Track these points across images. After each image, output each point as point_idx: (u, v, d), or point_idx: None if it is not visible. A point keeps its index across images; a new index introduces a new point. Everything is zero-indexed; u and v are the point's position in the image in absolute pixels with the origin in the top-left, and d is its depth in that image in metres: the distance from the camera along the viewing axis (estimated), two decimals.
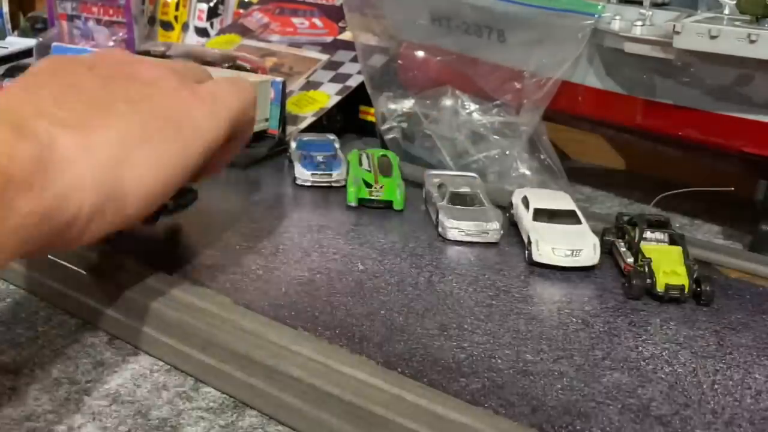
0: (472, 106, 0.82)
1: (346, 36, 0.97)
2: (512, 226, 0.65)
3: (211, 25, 1.12)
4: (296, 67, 0.94)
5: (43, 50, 1.06)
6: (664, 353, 0.47)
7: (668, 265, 0.54)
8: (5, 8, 1.30)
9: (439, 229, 0.63)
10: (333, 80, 0.91)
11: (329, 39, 0.99)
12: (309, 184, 0.72)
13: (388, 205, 0.68)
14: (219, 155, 0.49)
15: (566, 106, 0.78)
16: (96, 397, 0.45)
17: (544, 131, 0.80)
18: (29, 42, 1.08)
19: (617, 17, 0.71)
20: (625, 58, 0.71)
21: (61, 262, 0.54)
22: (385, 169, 0.70)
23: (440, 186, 0.67)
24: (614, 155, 0.95)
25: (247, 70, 0.83)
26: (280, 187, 0.75)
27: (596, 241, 0.59)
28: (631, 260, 0.57)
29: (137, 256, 0.55)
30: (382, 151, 0.74)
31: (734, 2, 0.65)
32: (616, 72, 0.74)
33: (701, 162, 0.77)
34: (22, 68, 0.97)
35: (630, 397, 0.43)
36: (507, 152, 0.79)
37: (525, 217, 0.61)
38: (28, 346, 0.50)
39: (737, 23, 0.63)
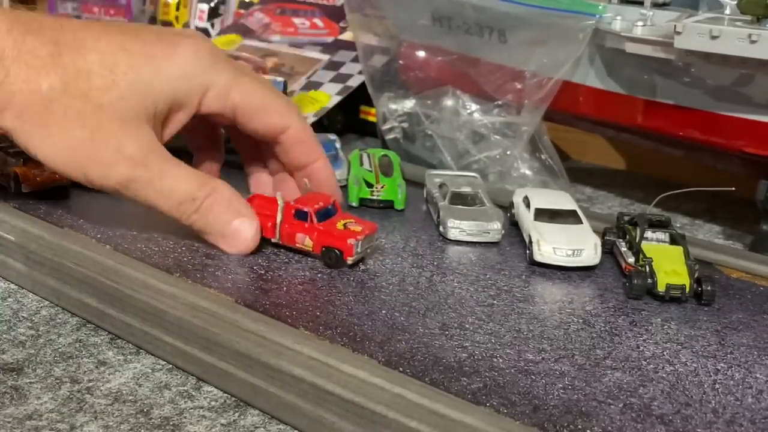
0: (473, 106, 0.82)
1: (347, 36, 0.97)
2: (513, 225, 0.65)
3: (212, 25, 1.12)
4: (297, 67, 0.95)
5: None
6: (665, 353, 0.47)
7: (669, 265, 0.54)
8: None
9: (440, 229, 0.63)
10: (334, 80, 0.91)
11: (330, 39, 0.99)
12: None
13: (389, 204, 0.68)
14: None
15: (567, 106, 0.78)
16: (98, 396, 0.45)
17: (544, 131, 0.81)
18: None
19: (618, 17, 0.71)
20: (626, 59, 0.71)
21: (64, 262, 0.54)
22: (386, 169, 0.70)
23: (441, 186, 0.67)
24: (615, 155, 0.95)
25: None
26: None
27: (597, 240, 0.59)
28: (632, 260, 0.57)
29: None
30: (383, 151, 0.74)
31: (735, 2, 0.65)
32: (616, 72, 0.74)
33: (702, 162, 0.78)
34: None
35: (631, 397, 0.43)
36: (508, 152, 0.79)
37: (526, 217, 0.62)
38: (30, 345, 0.50)
39: (738, 23, 0.63)
